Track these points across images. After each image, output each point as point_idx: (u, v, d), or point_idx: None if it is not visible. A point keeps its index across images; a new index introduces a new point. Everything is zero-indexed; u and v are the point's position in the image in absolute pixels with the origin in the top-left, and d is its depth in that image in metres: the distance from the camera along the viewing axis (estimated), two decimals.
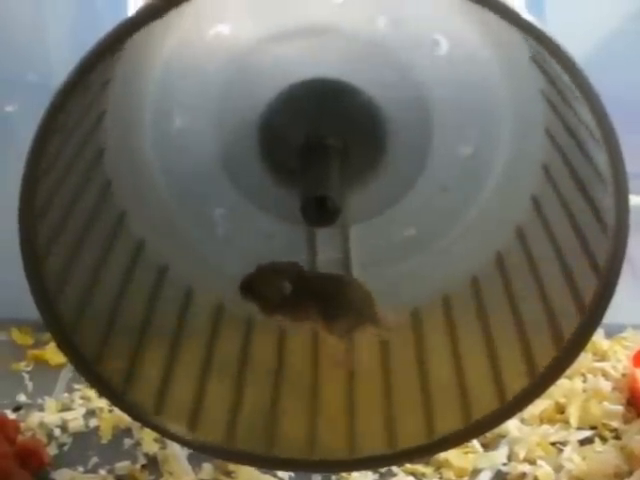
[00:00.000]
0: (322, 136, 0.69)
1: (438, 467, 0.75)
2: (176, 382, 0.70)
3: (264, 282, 0.66)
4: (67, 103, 0.55)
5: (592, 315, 0.62)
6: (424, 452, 0.70)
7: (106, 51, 0.54)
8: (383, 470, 0.74)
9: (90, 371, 0.66)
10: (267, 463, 0.70)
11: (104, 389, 0.67)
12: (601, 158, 0.56)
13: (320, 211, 0.65)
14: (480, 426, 0.67)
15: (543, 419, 0.80)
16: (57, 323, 0.64)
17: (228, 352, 0.72)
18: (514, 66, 0.67)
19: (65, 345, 0.65)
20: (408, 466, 0.74)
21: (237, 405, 0.70)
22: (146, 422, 0.69)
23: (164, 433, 0.70)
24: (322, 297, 0.66)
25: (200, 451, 0.71)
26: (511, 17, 0.53)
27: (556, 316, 0.65)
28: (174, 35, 0.68)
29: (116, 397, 0.68)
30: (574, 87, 0.54)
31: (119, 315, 0.69)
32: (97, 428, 0.80)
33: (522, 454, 0.76)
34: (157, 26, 0.55)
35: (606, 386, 0.82)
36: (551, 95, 0.64)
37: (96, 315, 0.67)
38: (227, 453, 0.70)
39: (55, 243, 0.63)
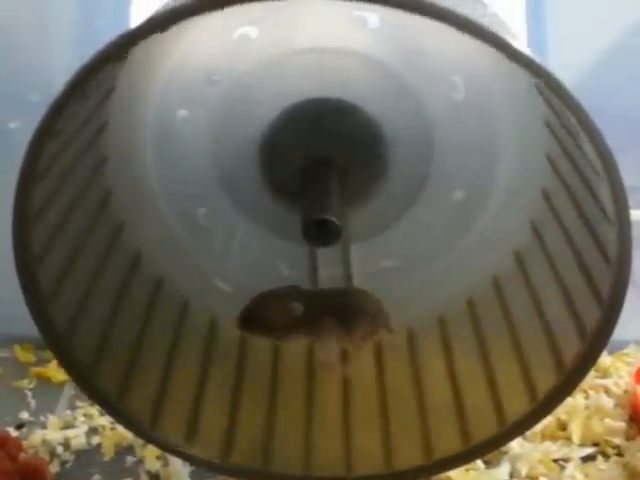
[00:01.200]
0: (323, 155, 0.70)
1: None
2: (173, 396, 0.70)
3: (269, 309, 0.66)
4: (65, 109, 0.56)
5: (594, 344, 0.62)
6: (421, 473, 0.69)
7: (105, 61, 0.55)
8: None
9: (84, 380, 0.66)
10: (264, 478, 0.70)
11: (98, 398, 0.68)
12: (603, 191, 0.56)
13: (321, 232, 0.65)
14: (478, 449, 0.67)
15: (545, 436, 0.79)
16: (51, 331, 0.64)
17: (223, 367, 0.72)
18: (516, 89, 0.67)
19: (59, 352, 0.65)
20: None
21: (234, 420, 0.70)
22: (143, 434, 0.69)
23: (161, 446, 0.70)
24: (336, 310, 0.66)
25: (197, 465, 0.72)
26: (510, 52, 0.53)
27: (557, 342, 0.65)
28: (174, 53, 0.68)
29: (111, 407, 0.68)
30: (576, 124, 0.54)
31: (115, 326, 0.69)
32: (99, 445, 0.80)
33: (524, 471, 0.75)
34: (158, 41, 0.55)
35: (608, 403, 0.81)
36: (553, 121, 0.64)
37: (92, 325, 0.67)
38: (223, 468, 0.70)
39: (51, 251, 0.63)
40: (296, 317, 0.65)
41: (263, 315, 0.66)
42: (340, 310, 0.66)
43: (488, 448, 0.68)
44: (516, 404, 0.66)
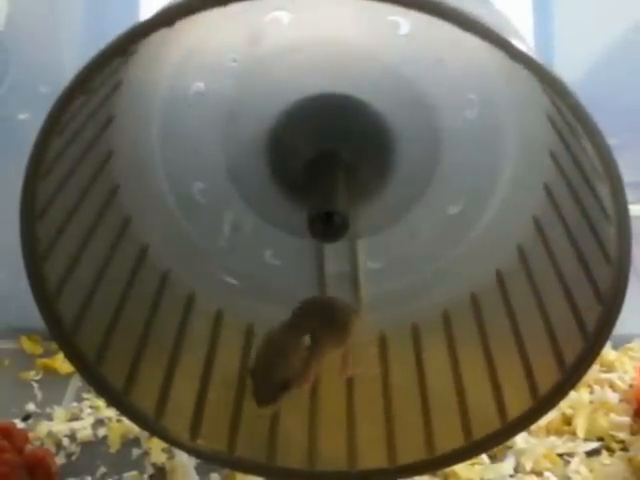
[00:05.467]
0: (331, 150, 0.69)
1: (445, 478, 0.75)
2: (177, 388, 0.70)
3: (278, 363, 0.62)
4: (71, 104, 0.56)
5: (595, 340, 0.61)
6: (424, 468, 0.69)
7: (110, 57, 0.55)
8: None
9: (91, 373, 0.66)
10: (268, 473, 0.70)
11: (104, 391, 0.68)
12: (603, 189, 0.56)
13: (328, 226, 0.64)
14: (480, 445, 0.67)
15: (550, 430, 0.79)
16: (57, 323, 0.64)
17: (228, 360, 0.73)
18: (520, 86, 0.67)
19: (65, 345, 0.65)
20: (416, 478, 0.74)
21: (237, 414, 0.70)
22: (148, 428, 0.70)
23: (165, 438, 0.70)
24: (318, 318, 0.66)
25: (202, 458, 0.72)
26: (510, 51, 0.53)
27: (558, 339, 0.65)
28: (189, 38, 0.68)
29: (116, 400, 0.68)
30: (578, 126, 0.55)
31: (121, 319, 0.69)
32: (105, 438, 0.80)
33: (529, 465, 0.76)
34: (169, 32, 0.55)
35: (613, 397, 0.82)
36: (555, 117, 0.64)
37: (98, 317, 0.68)
38: (228, 461, 0.70)
39: (57, 244, 0.63)
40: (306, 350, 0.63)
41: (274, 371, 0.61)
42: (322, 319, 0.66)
43: (490, 444, 0.68)
44: (518, 400, 0.66)
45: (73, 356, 0.66)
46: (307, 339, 0.63)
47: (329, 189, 0.67)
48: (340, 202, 0.66)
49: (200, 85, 0.70)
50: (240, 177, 0.73)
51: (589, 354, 0.62)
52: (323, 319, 0.66)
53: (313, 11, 0.67)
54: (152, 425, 0.68)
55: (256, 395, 0.60)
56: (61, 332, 0.65)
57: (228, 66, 0.69)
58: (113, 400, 0.68)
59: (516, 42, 0.53)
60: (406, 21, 0.66)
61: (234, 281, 0.76)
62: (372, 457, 0.69)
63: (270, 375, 0.60)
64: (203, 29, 0.67)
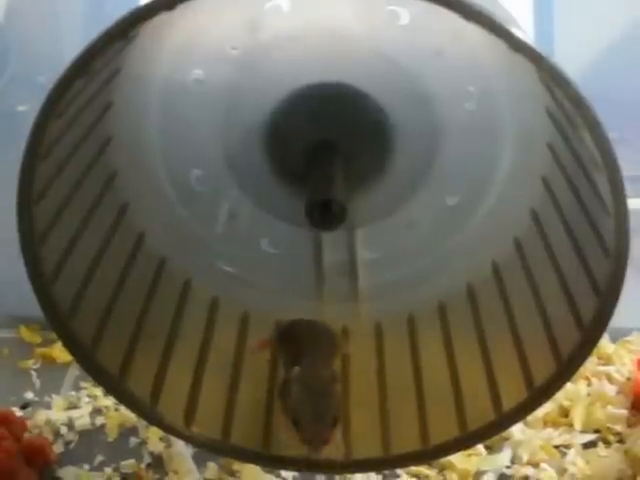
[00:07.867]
0: (329, 140, 0.69)
1: (441, 469, 0.75)
2: (172, 375, 0.70)
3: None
4: (71, 86, 0.56)
5: (591, 333, 0.62)
6: (418, 458, 0.70)
7: (111, 40, 0.55)
8: (387, 471, 0.74)
9: (86, 358, 0.67)
10: (263, 460, 0.71)
11: (99, 376, 0.68)
12: (602, 182, 0.57)
13: (325, 215, 0.64)
14: (475, 436, 0.68)
15: (547, 422, 0.80)
16: (53, 307, 0.64)
17: (223, 348, 0.73)
18: (519, 79, 0.67)
19: (61, 331, 0.66)
20: (412, 468, 0.74)
21: (232, 401, 0.70)
22: (142, 413, 0.70)
23: (160, 425, 0.70)
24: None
25: (197, 446, 0.72)
26: (511, 41, 0.53)
27: (554, 330, 0.65)
28: (182, 34, 0.68)
29: (112, 386, 0.68)
30: (577, 116, 0.55)
31: (117, 305, 0.69)
32: (103, 426, 0.81)
33: (525, 457, 0.76)
34: (169, 18, 0.55)
35: (610, 390, 0.82)
36: (554, 110, 0.64)
37: (94, 303, 0.68)
38: (223, 449, 0.70)
39: (55, 229, 0.63)
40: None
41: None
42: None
43: (485, 435, 0.68)
44: (513, 391, 0.66)
45: (69, 341, 0.66)
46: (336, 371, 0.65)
47: (327, 178, 0.68)
48: (338, 191, 0.66)
49: (199, 73, 0.70)
50: (238, 165, 0.73)
51: (585, 346, 0.63)
52: (325, 344, 0.68)
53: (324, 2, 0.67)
54: (147, 411, 0.69)
55: (312, 442, 0.61)
56: (57, 317, 0.65)
57: (228, 54, 0.69)
58: (108, 386, 0.69)
59: (517, 32, 0.53)
60: (406, 11, 0.67)
61: (230, 269, 0.76)
62: (367, 447, 0.69)
63: (320, 418, 0.61)
64: (203, 16, 0.67)
